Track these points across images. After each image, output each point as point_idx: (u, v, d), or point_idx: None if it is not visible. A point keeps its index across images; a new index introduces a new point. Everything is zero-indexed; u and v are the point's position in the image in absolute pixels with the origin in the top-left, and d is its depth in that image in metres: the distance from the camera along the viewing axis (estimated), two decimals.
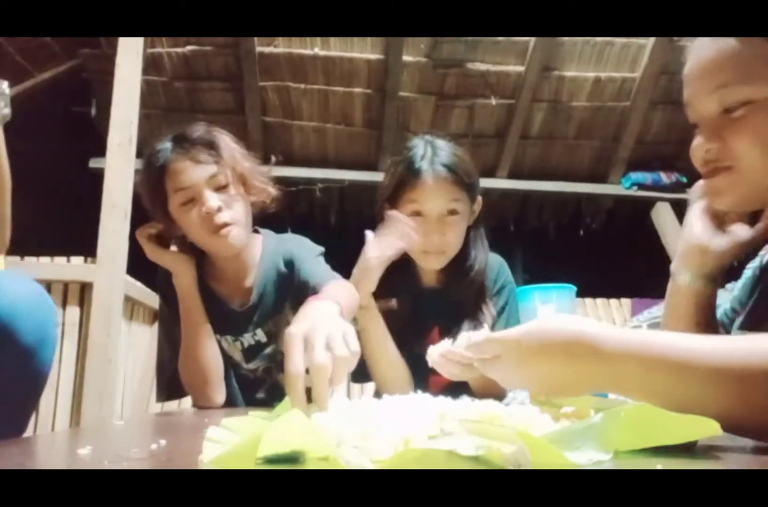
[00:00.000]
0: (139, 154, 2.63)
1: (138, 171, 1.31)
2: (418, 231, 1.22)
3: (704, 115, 0.76)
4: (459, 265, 1.32)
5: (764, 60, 0.69)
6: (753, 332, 0.75)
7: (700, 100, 0.75)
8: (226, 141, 1.27)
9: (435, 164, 1.26)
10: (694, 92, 0.77)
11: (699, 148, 0.77)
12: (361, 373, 1.26)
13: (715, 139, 0.75)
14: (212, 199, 1.20)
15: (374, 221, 1.31)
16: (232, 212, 1.23)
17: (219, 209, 1.21)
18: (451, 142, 1.33)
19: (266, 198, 1.32)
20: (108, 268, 2.33)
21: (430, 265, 1.32)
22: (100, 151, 2.75)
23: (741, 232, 0.87)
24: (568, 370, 0.59)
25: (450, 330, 1.23)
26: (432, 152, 1.27)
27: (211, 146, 1.23)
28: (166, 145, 1.25)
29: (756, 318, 0.81)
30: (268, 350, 1.33)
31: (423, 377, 1.26)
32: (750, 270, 0.94)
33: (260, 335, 1.32)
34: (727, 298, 0.98)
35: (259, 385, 1.34)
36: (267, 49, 3.63)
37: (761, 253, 0.93)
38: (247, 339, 1.33)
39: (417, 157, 1.27)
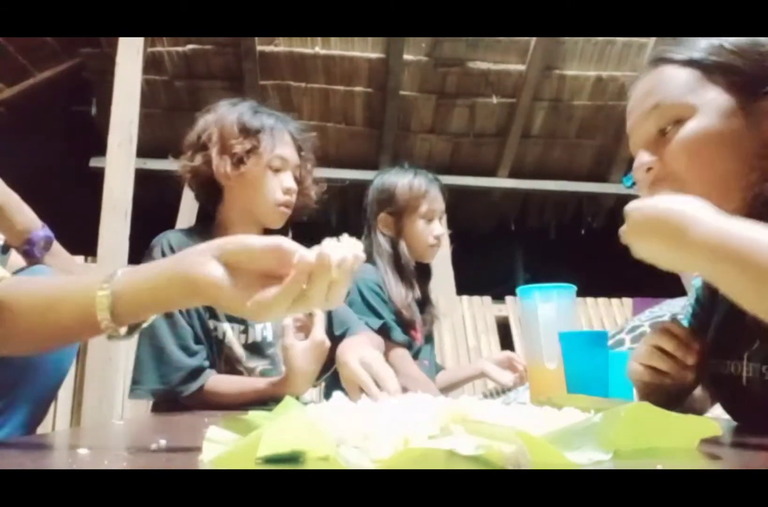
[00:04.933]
0: (139, 154, 2.64)
1: (237, 109, 1.33)
2: None
3: (644, 138, 0.82)
4: None
5: (689, 85, 0.78)
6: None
7: (641, 124, 0.82)
8: (310, 149, 1.38)
9: None
10: (634, 119, 0.83)
11: (640, 168, 0.81)
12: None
13: (653, 156, 0.81)
14: (293, 182, 1.32)
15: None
16: (293, 200, 1.33)
17: (293, 192, 1.31)
18: None
19: (303, 207, 1.40)
20: (108, 268, 2.33)
21: None
22: (100, 150, 2.75)
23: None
24: (656, 248, 0.64)
25: None
26: None
27: (302, 147, 1.35)
28: (270, 119, 1.31)
29: (724, 347, 0.83)
30: (271, 351, 1.27)
31: None
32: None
33: (269, 331, 1.26)
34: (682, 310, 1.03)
35: None
36: (268, 48, 3.63)
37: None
38: (257, 332, 1.25)
39: None
